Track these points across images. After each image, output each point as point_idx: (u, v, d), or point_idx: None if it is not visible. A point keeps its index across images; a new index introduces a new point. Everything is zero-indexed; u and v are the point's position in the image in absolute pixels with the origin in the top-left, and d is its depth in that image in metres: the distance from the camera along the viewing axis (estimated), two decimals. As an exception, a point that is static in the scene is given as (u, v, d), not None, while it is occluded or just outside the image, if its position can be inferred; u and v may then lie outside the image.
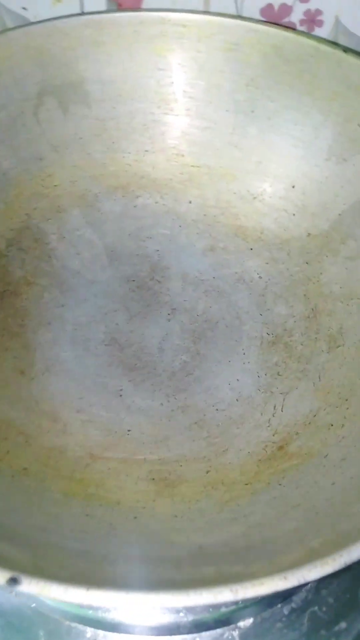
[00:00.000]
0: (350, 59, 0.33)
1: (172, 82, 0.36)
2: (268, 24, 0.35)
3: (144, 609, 0.16)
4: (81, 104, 0.35)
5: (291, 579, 0.16)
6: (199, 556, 0.20)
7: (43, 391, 0.29)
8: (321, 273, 0.33)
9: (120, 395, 0.30)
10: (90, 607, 0.23)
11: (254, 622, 0.25)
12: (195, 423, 0.29)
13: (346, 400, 0.28)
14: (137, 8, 0.38)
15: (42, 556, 0.18)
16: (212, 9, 0.38)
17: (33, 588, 0.16)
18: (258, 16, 0.39)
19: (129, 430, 0.28)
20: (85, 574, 0.18)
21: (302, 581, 0.16)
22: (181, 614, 0.24)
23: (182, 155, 0.37)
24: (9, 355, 0.30)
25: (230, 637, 0.25)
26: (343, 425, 0.27)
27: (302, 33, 0.36)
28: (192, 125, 0.37)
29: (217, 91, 0.36)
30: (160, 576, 0.18)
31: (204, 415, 0.29)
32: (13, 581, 0.16)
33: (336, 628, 0.25)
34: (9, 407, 0.27)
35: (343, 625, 0.25)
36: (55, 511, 0.23)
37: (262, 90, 0.35)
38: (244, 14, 0.39)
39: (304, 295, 0.33)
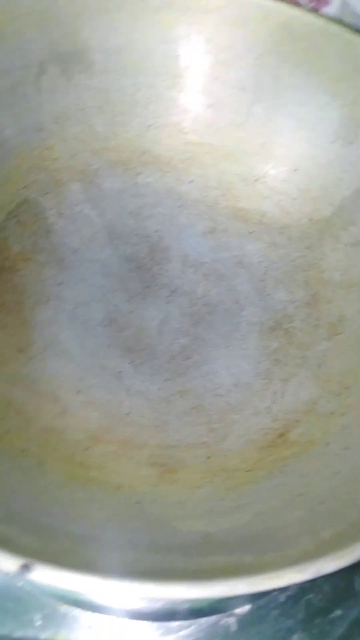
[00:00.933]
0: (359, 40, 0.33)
1: (178, 56, 0.35)
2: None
3: (156, 598, 0.16)
4: (85, 73, 0.34)
5: (308, 572, 0.16)
6: (206, 545, 0.20)
7: (42, 371, 0.28)
8: (322, 259, 0.33)
9: (120, 377, 0.29)
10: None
11: (250, 609, 0.25)
12: (194, 408, 0.29)
13: (346, 388, 0.28)
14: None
15: (50, 542, 0.18)
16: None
17: (45, 576, 0.16)
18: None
19: (128, 413, 0.28)
20: (94, 562, 0.17)
21: (318, 574, 0.16)
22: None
23: (185, 133, 0.36)
24: (7, 332, 0.29)
25: (226, 624, 0.25)
26: (344, 414, 0.27)
27: (309, 11, 0.35)
28: (196, 102, 0.36)
29: (223, 67, 0.35)
30: (171, 565, 0.18)
31: (203, 400, 0.29)
32: (25, 568, 0.16)
33: (331, 615, 0.26)
34: (8, 386, 0.27)
35: (338, 612, 0.26)
36: (57, 495, 0.22)
37: (269, 68, 0.35)
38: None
39: (305, 281, 0.33)
